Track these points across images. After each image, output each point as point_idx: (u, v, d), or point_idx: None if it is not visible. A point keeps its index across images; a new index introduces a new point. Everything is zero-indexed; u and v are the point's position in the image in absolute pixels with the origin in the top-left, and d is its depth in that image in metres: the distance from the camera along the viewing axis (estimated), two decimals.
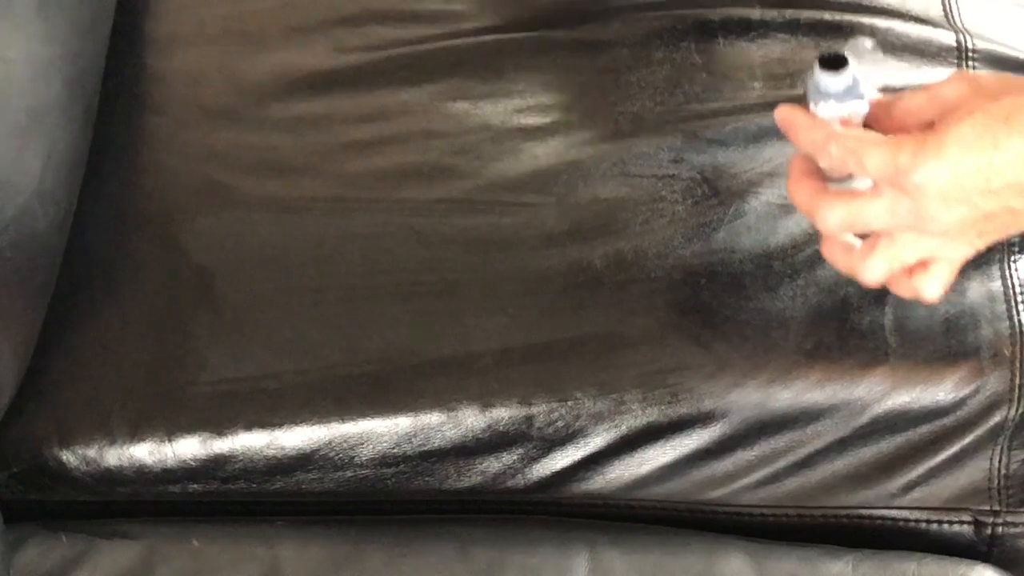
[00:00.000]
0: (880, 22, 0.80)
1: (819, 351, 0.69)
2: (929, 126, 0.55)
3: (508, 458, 0.70)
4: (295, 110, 0.80)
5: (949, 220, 0.56)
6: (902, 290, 0.61)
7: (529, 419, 0.69)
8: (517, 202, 0.75)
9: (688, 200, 0.74)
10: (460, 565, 0.68)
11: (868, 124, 0.59)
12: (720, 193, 0.74)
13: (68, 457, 0.70)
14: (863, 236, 0.60)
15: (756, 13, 0.80)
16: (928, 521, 0.69)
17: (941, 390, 0.68)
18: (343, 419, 0.69)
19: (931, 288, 0.60)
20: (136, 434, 0.70)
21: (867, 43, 0.59)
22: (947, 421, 0.69)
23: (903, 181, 0.55)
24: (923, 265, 0.60)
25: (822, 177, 0.60)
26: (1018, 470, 0.69)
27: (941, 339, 0.69)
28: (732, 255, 0.72)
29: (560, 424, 0.69)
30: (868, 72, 0.59)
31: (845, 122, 0.59)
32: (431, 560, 0.68)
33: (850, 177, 0.59)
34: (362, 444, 0.69)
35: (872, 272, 0.59)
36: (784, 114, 0.59)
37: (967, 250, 0.59)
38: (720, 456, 0.70)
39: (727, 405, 0.68)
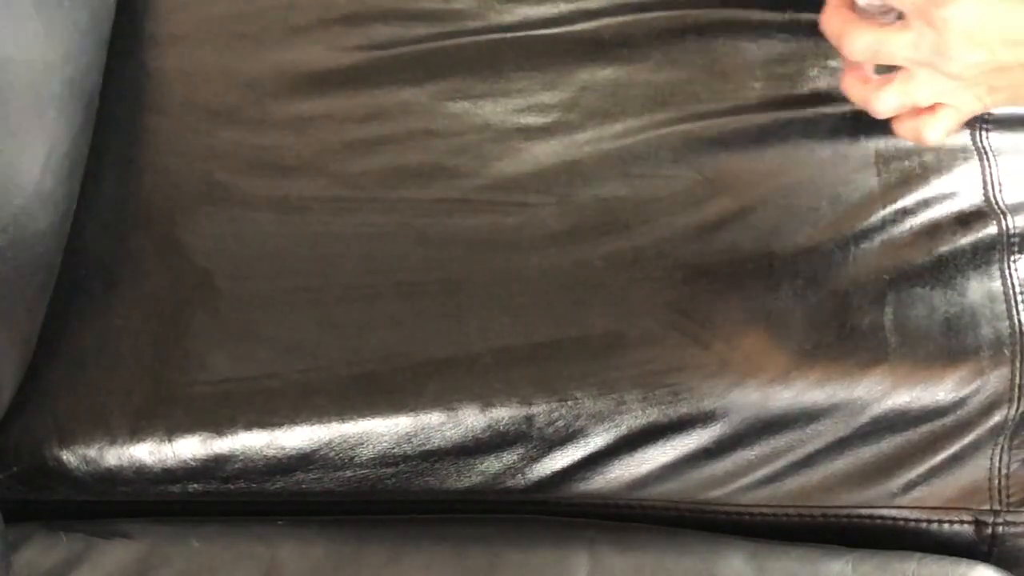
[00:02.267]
0: None
1: (819, 351, 0.69)
2: None
3: (508, 458, 0.70)
4: (295, 110, 0.80)
5: (967, 62, 0.57)
6: (906, 130, 0.63)
7: (529, 419, 0.69)
8: (517, 202, 0.75)
9: (688, 200, 0.74)
10: (460, 565, 0.67)
11: None
12: (720, 193, 0.74)
13: (68, 457, 0.70)
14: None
15: (756, 14, 0.80)
16: (928, 521, 0.69)
17: (941, 390, 0.68)
18: (343, 419, 0.69)
19: (934, 132, 0.62)
20: (136, 434, 0.70)
21: None
22: (947, 421, 0.69)
23: (933, 13, 0.56)
24: (931, 109, 0.61)
25: (855, 12, 0.62)
26: (1018, 470, 0.69)
27: (941, 339, 0.69)
28: (732, 255, 0.72)
29: (560, 424, 0.69)
30: None
31: None
32: (431, 560, 0.68)
33: (882, 15, 0.61)
34: (362, 444, 0.69)
35: (883, 103, 0.62)
36: None
37: (975, 104, 0.61)
38: (720, 456, 0.70)
39: (727, 405, 0.68)
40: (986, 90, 0.60)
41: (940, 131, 0.62)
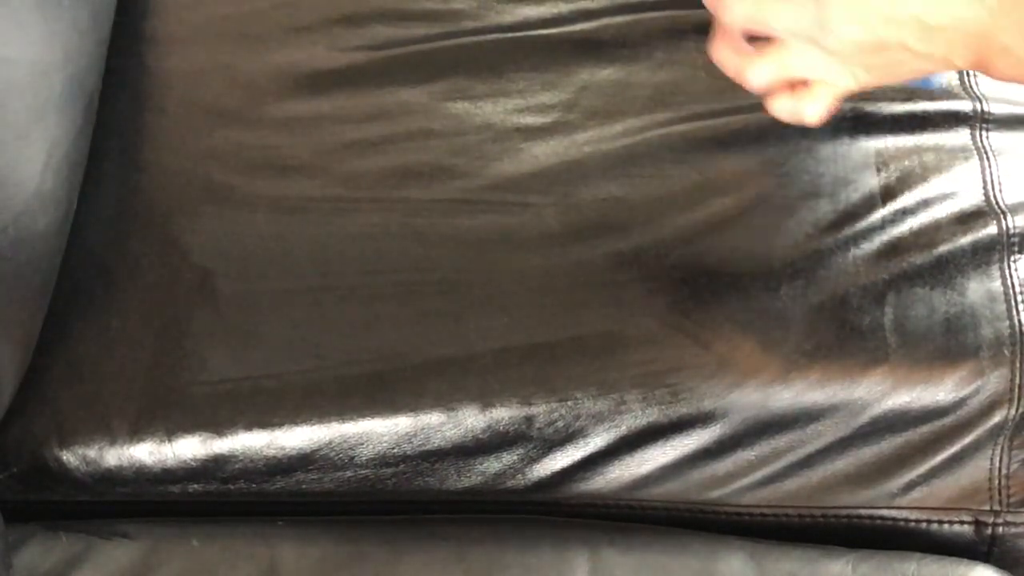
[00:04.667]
0: None
1: (819, 351, 0.69)
2: None
3: (508, 458, 0.70)
4: (295, 110, 0.80)
5: (846, 37, 0.57)
6: (782, 109, 0.62)
7: (529, 419, 0.69)
8: (517, 202, 0.75)
9: (688, 200, 0.74)
10: (460, 565, 0.67)
11: None
12: (720, 193, 0.74)
13: (68, 457, 0.70)
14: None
15: None
16: (928, 521, 0.69)
17: (941, 390, 0.68)
18: (343, 419, 0.69)
19: (811, 109, 0.61)
20: (136, 434, 0.70)
21: None
22: (947, 421, 0.69)
23: None
24: (805, 84, 0.60)
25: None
26: (1018, 470, 0.69)
27: (941, 339, 0.69)
28: (732, 255, 0.72)
29: (560, 424, 0.69)
30: None
31: None
32: (431, 560, 0.68)
33: None
34: (362, 444, 0.69)
35: (759, 75, 0.60)
36: None
37: (850, 81, 0.60)
38: (720, 456, 0.70)
39: (727, 405, 0.68)
40: (862, 68, 0.59)
41: (818, 109, 0.61)
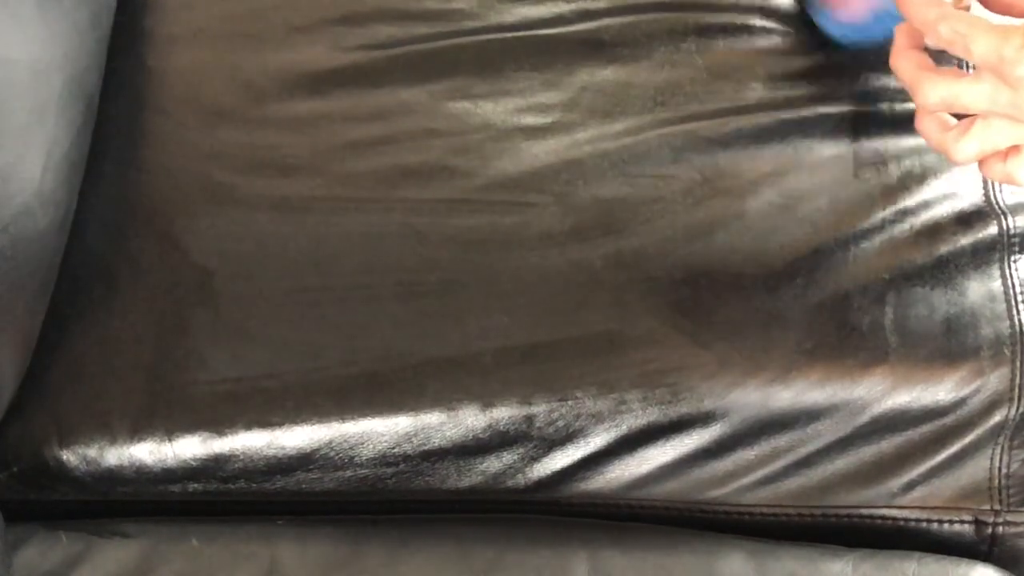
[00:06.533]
0: None
1: (819, 351, 0.69)
2: None
3: (508, 458, 0.70)
4: (295, 109, 0.80)
5: None
6: (994, 173, 0.62)
7: (529, 419, 0.69)
8: (517, 202, 0.75)
9: (688, 200, 0.74)
10: (460, 565, 0.68)
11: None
12: (720, 193, 0.74)
13: (68, 457, 0.70)
14: (958, 116, 0.61)
15: (756, 14, 0.80)
16: (928, 521, 0.69)
17: (941, 390, 0.68)
18: (343, 419, 0.69)
19: (1023, 173, 0.61)
20: (136, 434, 0.70)
21: None
22: (947, 421, 0.69)
23: (1006, 72, 0.55)
24: (1016, 149, 0.60)
25: (926, 51, 0.61)
26: (1018, 470, 0.69)
27: (941, 339, 0.69)
28: (732, 255, 0.72)
29: (560, 424, 0.69)
30: None
31: (958, 2, 0.59)
32: (431, 560, 0.68)
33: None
34: (362, 444, 0.69)
35: (963, 152, 0.61)
36: None
37: None
38: (720, 456, 0.70)
39: (727, 405, 0.68)
40: None
41: None
